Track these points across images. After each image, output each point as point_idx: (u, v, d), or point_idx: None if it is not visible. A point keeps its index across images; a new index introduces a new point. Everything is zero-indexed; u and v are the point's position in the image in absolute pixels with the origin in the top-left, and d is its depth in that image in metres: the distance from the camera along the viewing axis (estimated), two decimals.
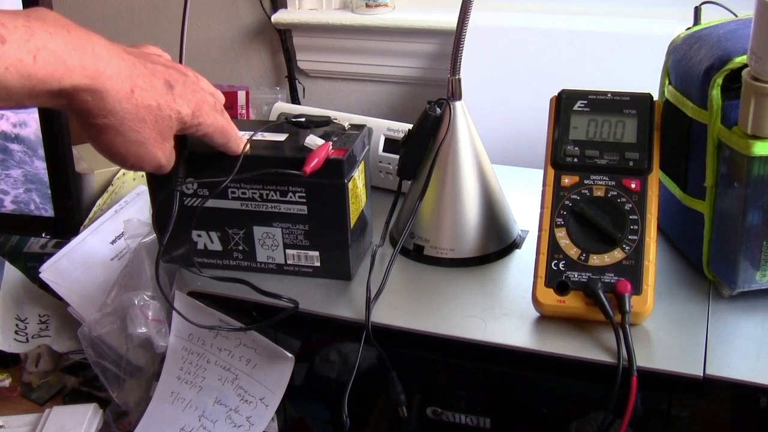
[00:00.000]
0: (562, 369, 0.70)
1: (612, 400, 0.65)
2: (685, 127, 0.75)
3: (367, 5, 1.25)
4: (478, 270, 0.82)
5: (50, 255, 0.99)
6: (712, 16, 0.81)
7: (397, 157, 0.89)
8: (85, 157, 1.12)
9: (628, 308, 0.68)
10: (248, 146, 0.75)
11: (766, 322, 0.72)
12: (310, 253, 0.80)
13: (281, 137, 0.80)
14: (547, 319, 0.73)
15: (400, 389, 0.73)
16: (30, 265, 1.07)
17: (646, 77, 0.84)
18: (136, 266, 0.87)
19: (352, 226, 0.79)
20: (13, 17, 0.54)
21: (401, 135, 0.89)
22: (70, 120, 0.99)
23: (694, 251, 0.78)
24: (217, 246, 0.82)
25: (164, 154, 0.67)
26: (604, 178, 0.73)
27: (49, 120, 0.97)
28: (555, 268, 0.71)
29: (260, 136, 0.79)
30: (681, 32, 0.80)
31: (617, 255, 0.71)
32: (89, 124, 0.61)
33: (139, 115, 0.62)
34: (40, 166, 0.99)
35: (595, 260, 0.71)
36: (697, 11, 0.82)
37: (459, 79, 0.82)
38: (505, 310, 0.75)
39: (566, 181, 0.74)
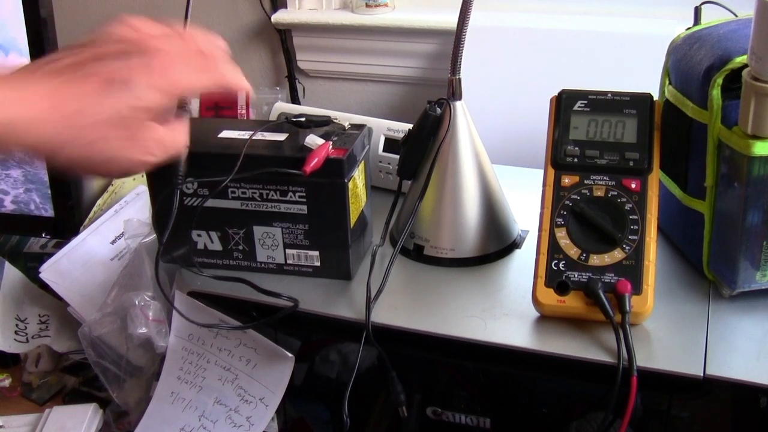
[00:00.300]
0: (562, 369, 0.70)
1: (612, 400, 0.65)
2: (685, 127, 0.75)
3: (367, 5, 1.25)
4: (478, 270, 0.82)
5: (50, 255, 0.99)
6: (712, 16, 0.81)
7: (397, 157, 0.89)
8: None
9: (628, 308, 0.68)
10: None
11: (766, 322, 0.72)
12: (310, 252, 0.80)
13: (281, 137, 0.80)
14: (547, 319, 0.73)
15: (400, 389, 0.73)
16: (30, 265, 1.07)
17: (646, 77, 0.84)
18: (136, 266, 0.87)
19: (352, 225, 0.79)
20: None
21: (401, 135, 0.89)
22: None
23: (694, 251, 0.78)
24: (217, 246, 0.82)
25: (147, 151, 0.59)
26: (604, 178, 0.73)
27: None
28: (555, 268, 0.71)
29: (260, 135, 0.79)
30: (681, 32, 0.80)
31: (617, 255, 0.71)
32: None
33: (88, 136, 0.55)
34: (40, 166, 0.99)
35: (595, 260, 0.71)
36: (697, 11, 0.82)
37: (459, 79, 0.82)
38: (505, 310, 0.75)
39: (566, 181, 0.74)
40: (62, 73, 0.55)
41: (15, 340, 1.00)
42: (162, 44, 0.61)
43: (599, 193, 0.73)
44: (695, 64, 0.73)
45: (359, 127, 0.82)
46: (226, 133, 0.81)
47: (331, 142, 0.77)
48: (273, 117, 1.09)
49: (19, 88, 0.53)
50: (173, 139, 0.62)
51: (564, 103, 0.77)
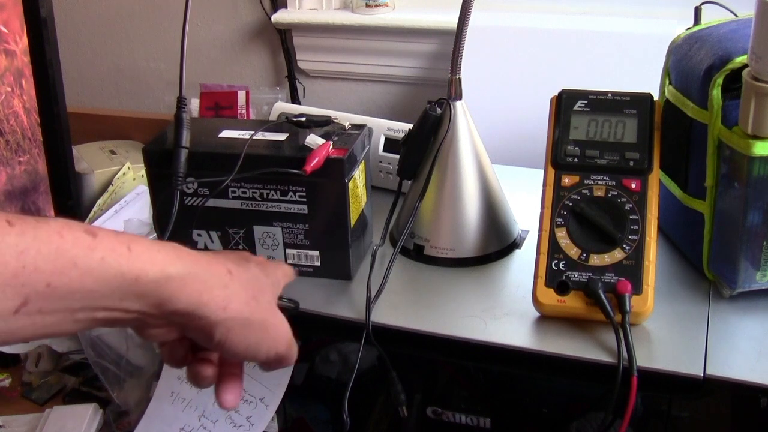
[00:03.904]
0: (562, 369, 0.70)
1: (612, 400, 0.65)
2: (685, 127, 0.75)
3: (367, 5, 1.25)
4: (478, 270, 0.82)
5: None
6: (712, 16, 0.81)
7: (398, 157, 0.89)
8: (85, 157, 1.12)
9: (628, 308, 0.68)
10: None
11: (766, 322, 0.72)
12: (311, 252, 0.80)
13: (281, 137, 0.80)
14: (547, 319, 0.72)
15: (400, 389, 0.73)
16: None
17: (646, 77, 0.84)
18: None
19: (352, 225, 0.79)
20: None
21: (401, 135, 0.89)
22: (69, 120, 0.99)
23: (694, 251, 0.78)
24: (217, 245, 0.82)
25: (285, 342, 0.56)
26: (605, 178, 0.73)
27: (49, 120, 0.97)
28: (555, 268, 0.71)
29: (260, 135, 0.79)
30: (681, 32, 0.80)
31: (617, 255, 0.71)
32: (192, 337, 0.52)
33: (258, 315, 0.53)
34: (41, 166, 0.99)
35: (596, 260, 0.71)
36: (698, 11, 0.82)
37: (459, 79, 0.82)
38: (505, 310, 0.75)
39: (566, 181, 0.74)
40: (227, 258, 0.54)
41: None
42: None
43: (599, 193, 0.73)
44: (695, 64, 0.73)
45: (359, 127, 0.82)
46: (226, 133, 0.81)
47: (331, 142, 0.77)
48: (273, 117, 1.09)
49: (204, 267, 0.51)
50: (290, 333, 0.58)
51: (564, 103, 0.77)
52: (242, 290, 0.52)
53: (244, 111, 1.26)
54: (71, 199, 1.01)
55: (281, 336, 0.55)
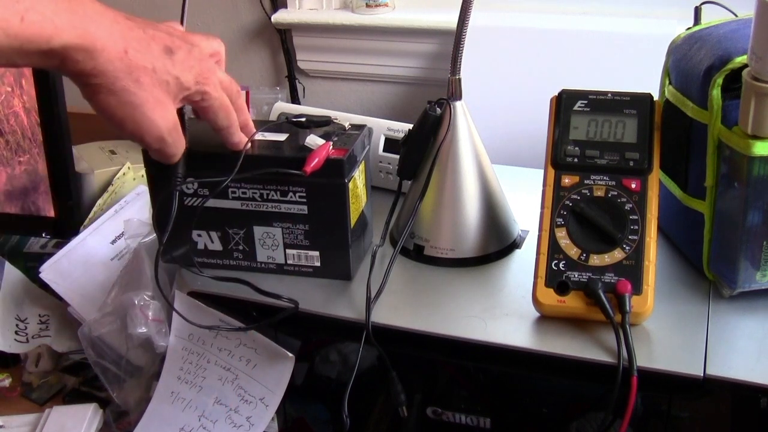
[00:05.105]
0: (562, 369, 0.70)
1: (612, 400, 0.65)
2: (685, 127, 0.75)
3: (367, 5, 1.25)
4: (478, 270, 0.82)
5: (50, 255, 0.99)
6: (712, 16, 0.81)
7: (398, 157, 0.89)
8: (85, 157, 1.12)
9: (628, 308, 0.68)
10: (249, 145, 0.75)
11: (766, 322, 0.72)
12: (311, 253, 0.80)
13: (281, 137, 0.80)
14: (547, 319, 0.73)
15: (400, 389, 0.73)
16: (30, 265, 1.07)
17: (646, 77, 0.84)
18: (136, 266, 0.87)
19: (352, 225, 0.79)
20: None
21: (401, 135, 0.89)
22: (69, 120, 0.99)
23: (694, 251, 0.78)
24: (217, 246, 0.82)
25: (165, 123, 0.64)
26: (605, 178, 0.73)
27: (49, 120, 0.97)
28: (555, 268, 0.71)
29: (260, 136, 0.79)
30: (681, 32, 0.80)
31: (617, 255, 0.71)
32: (84, 84, 0.60)
33: (133, 75, 0.60)
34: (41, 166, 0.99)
35: (596, 260, 0.71)
36: (697, 11, 0.82)
37: (459, 79, 0.82)
38: (505, 310, 0.75)
39: (566, 181, 0.74)
40: (136, 22, 0.63)
41: (15, 340, 0.99)
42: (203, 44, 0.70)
43: (599, 193, 0.73)
44: (695, 64, 0.73)
45: (359, 127, 0.82)
46: None
47: (331, 143, 0.77)
48: (273, 117, 1.09)
49: (100, 21, 0.59)
50: (178, 133, 0.68)
51: (564, 103, 0.77)
52: (127, 70, 0.60)
53: None
54: (71, 199, 1.01)
55: (150, 125, 0.64)
